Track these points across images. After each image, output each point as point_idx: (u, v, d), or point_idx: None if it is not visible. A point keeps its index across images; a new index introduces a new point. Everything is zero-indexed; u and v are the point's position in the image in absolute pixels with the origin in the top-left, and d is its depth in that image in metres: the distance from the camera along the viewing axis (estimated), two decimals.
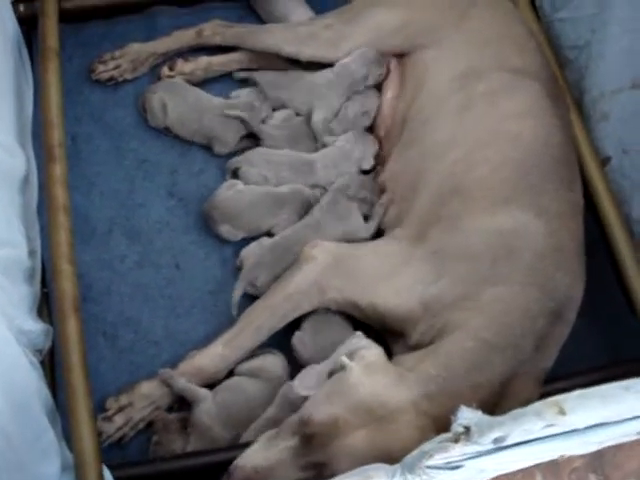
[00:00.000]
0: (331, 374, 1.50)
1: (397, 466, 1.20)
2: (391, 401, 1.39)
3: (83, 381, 1.55)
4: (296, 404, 1.48)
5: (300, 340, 1.73)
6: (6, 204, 1.65)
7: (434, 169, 1.76)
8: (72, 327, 1.58)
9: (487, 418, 1.02)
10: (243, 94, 2.02)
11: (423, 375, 1.45)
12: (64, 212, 1.70)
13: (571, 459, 1.78)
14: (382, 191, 1.90)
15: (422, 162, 1.79)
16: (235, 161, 1.94)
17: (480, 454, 1.09)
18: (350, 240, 1.81)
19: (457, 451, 1.04)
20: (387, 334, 1.67)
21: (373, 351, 1.49)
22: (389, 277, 1.66)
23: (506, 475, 1.45)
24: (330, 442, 1.36)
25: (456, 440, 1.02)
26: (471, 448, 1.05)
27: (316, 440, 1.36)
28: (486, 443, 1.01)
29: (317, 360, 1.61)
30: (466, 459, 1.11)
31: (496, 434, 1.00)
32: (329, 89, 1.97)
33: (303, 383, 1.55)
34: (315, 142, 1.97)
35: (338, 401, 1.39)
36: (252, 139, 2.01)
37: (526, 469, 1.29)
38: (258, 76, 2.02)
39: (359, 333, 1.58)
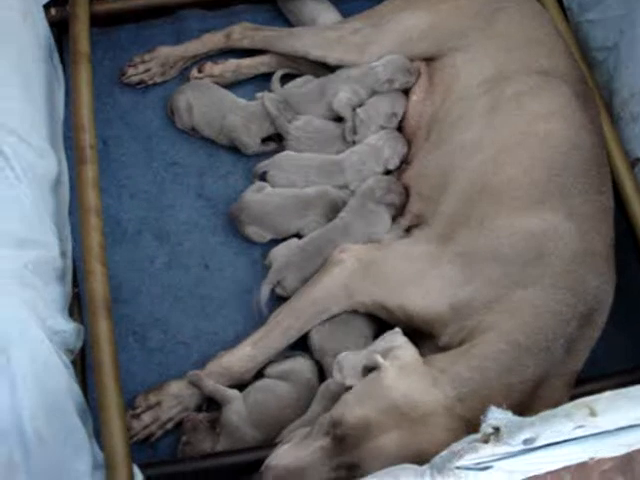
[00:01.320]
0: (365, 369, 1.50)
1: (426, 467, 1.21)
2: (424, 404, 1.39)
3: (114, 380, 1.56)
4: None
5: (318, 331, 1.74)
6: (39, 205, 1.67)
7: (462, 169, 1.76)
8: (103, 327, 1.60)
9: (517, 419, 1.02)
10: (271, 95, 2.03)
11: (456, 377, 1.45)
12: (95, 214, 1.72)
13: (600, 461, 1.77)
14: (406, 190, 1.90)
15: (450, 162, 1.80)
16: (263, 165, 1.95)
17: (510, 455, 1.09)
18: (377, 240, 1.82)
19: (487, 452, 1.04)
20: (415, 334, 1.67)
21: (408, 352, 1.50)
22: (418, 280, 1.67)
23: (535, 477, 1.45)
24: (361, 443, 1.36)
25: (485, 441, 1.02)
26: (501, 449, 1.05)
27: (347, 441, 1.37)
28: (516, 444, 1.01)
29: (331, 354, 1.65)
30: (495, 460, 1.11)
31: (526, 435, 1.00)
32: (354, 81, 1.98)
33: (342, 372, 1.56)
34: (339, 146, 1.98)
35: (371, 402, 1.40)
36: (273, 142, 2.03)
37: (555, 471, 1.29)
38: (284, 92, 2.04)
39: (397, 330, 1.57)
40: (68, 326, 1.65)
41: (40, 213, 1.67)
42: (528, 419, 1.02)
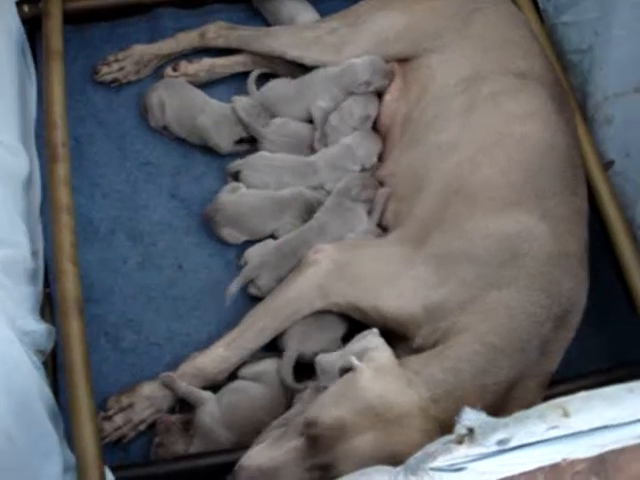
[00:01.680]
0: (341, 371, 1.49)
1: (400, 468, 1.20)
2: (398, 405, 1.38)
3: (85, 382, 1.55)
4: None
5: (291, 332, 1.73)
6: (9, 204, 1.65)
7: (437, 170, 1.75)
8: (75, 328, 1.58)
9: (490, 420, 1.02)
10: (244, 99, 2.02)
11: (430, 379, 1.45)
12: (67, 212, 1.70)
13: (574, 462, 1.77)
14: (381, 184, 1.91)
15: (425, 163, 1.79)
16: (236, 164, 1.94)
17: (483, 456, 1.09)
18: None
19: (460, 453, 1.04)
20: (390, 336, 1.66)
21: (383, 353, 1.49)
22: (392, 281, 1.66)
23: (510, 478, 1.45)
24: (336, 444, 1.35)
25: (459, 442, 1.01)
26: (474, 450, 1.05)
27: (321, 442, 1.36)
28: (490, 445, 1.01)
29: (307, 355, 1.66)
30: (469, 461, 1.11)
31: (500, 436, 0.99)
32: (332, 81, 1.97)
33: (320, 373, 1.55)
34: (311, 149, 1.98)
35: (346, 403, 1.39)
36: (247, 143, 2.02)
37: (529, 472, 1.29)
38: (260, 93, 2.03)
39: (375, 330, 1.56)
40: (39, 326, 1.63)
41: (10, 212, 1.65)
42: (502, 420, 1.02)
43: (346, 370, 1.49)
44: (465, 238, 1.63)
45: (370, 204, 1.87)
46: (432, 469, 1.12)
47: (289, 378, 1.66)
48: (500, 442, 1.00)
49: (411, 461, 1.18)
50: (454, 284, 1.59)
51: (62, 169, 1.75)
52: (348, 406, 1.38)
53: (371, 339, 1.56)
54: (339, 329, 1.74)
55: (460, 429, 1.09)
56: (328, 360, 1.58)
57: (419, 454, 1.15)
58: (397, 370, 1.47)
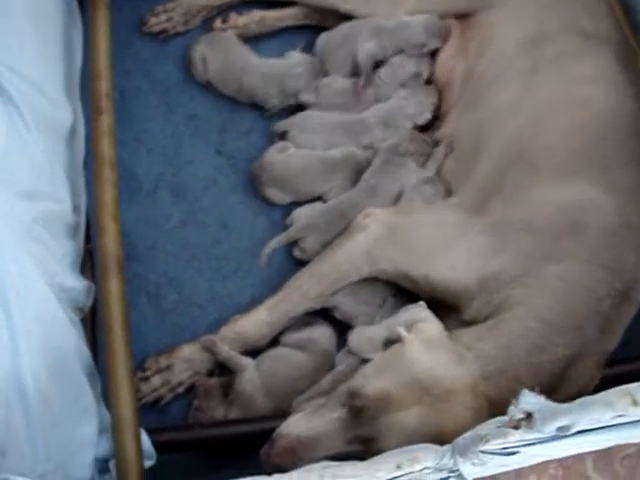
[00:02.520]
0: (387, 342, 1.43)
1: (447, 448, 1.15)
2: (448, 380, 1.33)
3: (124, 342, 1.50)
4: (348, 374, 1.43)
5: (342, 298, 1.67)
6: (51, 157, 1.60)
7: (497, 134, 1.67)
8: (115, 286, 1.53)
9: (551, 405, 0.95)
10: (296, 56, 1.94)
11: (482, 355, 1.39)
12: (110, 167, 1.65)
13: (623, 446, 1.71)
14: (436, 144, 1.83)
15: (484, 126, 1.71)
16: (283, 124, 1.87)
17: (539, 441, 1.02)
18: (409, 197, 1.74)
19: (516, 437, 0.97)
20: (439, 307, 1.59)
21: (433, 325, 1.43)
22: (445, 249, 1.59)
23: (558, 460, 1.37)
24: (380, 417, 1.30)
25: (516, 427, 0.94)
26: (531, 435, 0.98)
27: (366, 414, 1.31)
28: (549, 431, 0.94)
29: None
30: (523, 445, 1.04)
31: (561, 422, 0.92)
32: (383, 32, 1.88)
33: (358, 346, 1.50)
34: (356, 96, 1.89)
35: (392, 375, 1.34)
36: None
37: (578, 455, 1.22)
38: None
39: (422, 303, 1.51)
40: (78, 283, 1.58)
41: (52, 165, 1.60)
42: (564, 406, 0.94)
43: (391, 342, 1.43)
44: (524, 207, 1.55)
45: (421, 157, 1.79)
46: (483, 452, 1.06)
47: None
48: (561, 429, 0.93)
49: (459, 441, 1.12)
50: (511, 255, 1.51)
51: (106, 121, 1.69)
52: (394, 378, 1.33)
53: (419, 311, 1.50)
54: (384, 295, 1.67)
55: (515, 412, 1.03)
56: (368, 332, 1.53)
57: (469, 435, 1.09)
58: (447, 343, 1.41)
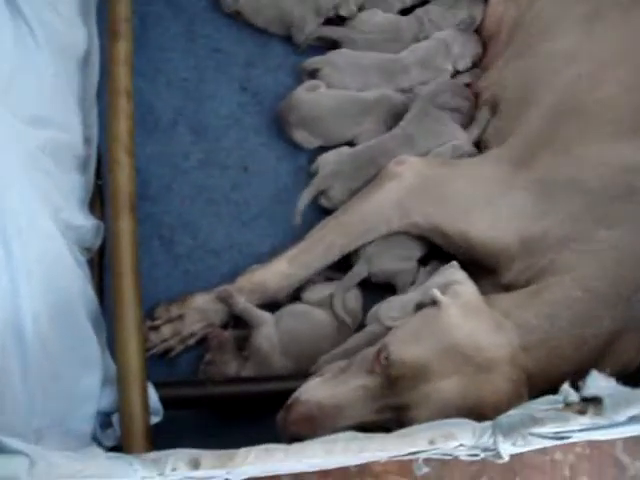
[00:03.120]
0: (419, 306, 1.32)
1: (487, 425, 1.03)
2: (489, 348, 1.21)
3: (134, 287, 1.38)
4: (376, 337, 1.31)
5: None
6: (63, 82, 1.47)
7: (549, 83, 1.53)
8: (126, 226, 1.41)
9: (624, 391, 0.82)
10: None
11: (523, 324, 1.27)
12: (126, 96, 1.51)
13: None
14: (476, 97, 1.69)
15: (534, 74, 1.57)
16: (315, 61, 1.72)
17: (599, 427, 0.90)
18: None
19: (578, 422, 0.85)
20: (473, 267, 1.47)
21: (469, 288, 1.31)
22: (486, 205, 1.46)
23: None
24: (417, 386, 1.19)
25: (581, 411, 0.82)
26: (593, 420, 0.86)
27: (401, 382, 1.19)
28: (620, 419, 0.82)
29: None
30: (579, 431, 0.92)
31: (636, 411, 0.80)
32: None
33: (388, 313, 1.39)
34: (399, 49, 1.75)
35: (429, 341, 1.22)
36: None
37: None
38: None
39: (454, 263, 1.39)
40: (86, 221, 1.46)
41: (63, 91, 1.47)
42: (638, 392, 0.82)
43: (424, 306, 1.31)
44: (576, 164, 1.41)
45: (461, 114, 1.64)
46: (532, 434, 0.94)
47: (339, 305, 1.49)
48: (634, 418, 0.80)
49: (503, 420, 1.00)
50: (558, 216, 1.38)
51: (123, 47, 1.55)
52: (433, 344, 1.21)
53: (453, 272, 1.37)
54: (417, 251, 1.56)
55: (571, 394, 0.91)
56: (399, 300, 1.43)
57: (517, 414, 0.98)
58: (484, 309, 1.29)
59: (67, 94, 1.49)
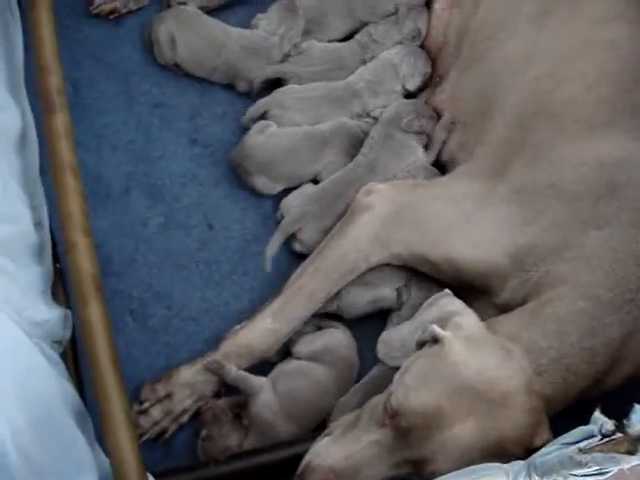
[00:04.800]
0: (420, 344, 1.24)
1: (520, 466, 0.97)
2: (501, 381, 1.14)
3: (114, 375, 1.28)
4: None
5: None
6: (2, 170, 1.37)
7: (509, 89, 1.48)
8: (95, 312, 1.31)
9: None
10: (263, 23, 1.71)
11: (532, 347, 1.21)
12: (72, 173, 1.42)
13: None
14: (437, 115, 1.63)
15: (493, 81, 1.52)
16: (262, 104, 1.65)
17: None
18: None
19: (627, 463, 0.78)
20: (465, 291, 1.40)
21: (469, 319, 1.24)
22: (466, 224, 1.40)
23: None
24: (432, 435, 1.11)
25: (630, 452, 0.75)
26: None
27: (415, 433, 1.12)
28: None
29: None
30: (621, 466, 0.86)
31: None
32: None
33: (389, 353, 1.33)
34: (346, 72, 1.69)
35: (438, 384, 1.14)
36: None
37: None
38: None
39: (448, 292, 1.32)
40: (52, 313, 1.36)
41: (4, 179, 1.37)
42: None
43: (423, 344, 1.24)
44: (552, 168, 1.36)
45: (425, 136, 1.58)
46: (573, 475, 0.87)
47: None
48: None
49: (537, 460, 0.94)
50: (543, 224, 1.32)
51: (61, 120, 1.45)
52: (441, 387, 1.14)
53: (449, 302, 1.30)
54: (395, 280, 1.49)
55: (604, 422, 0.84)
56: (397, 335, 1.35)
57: (553, 454, 0.92)
58: (490, 339, 1.21)
59: (9, 180, 1.39)
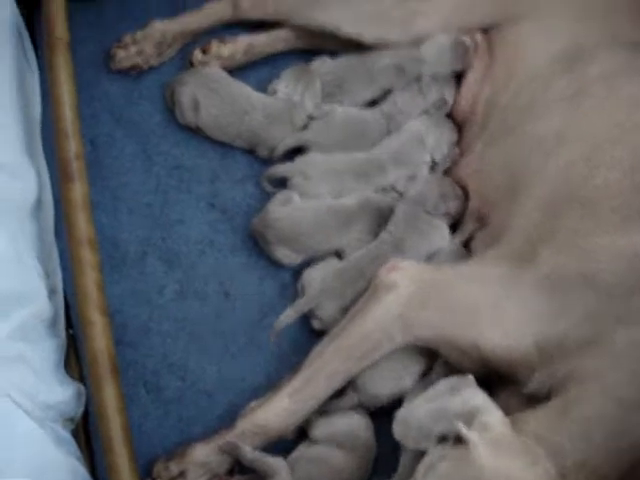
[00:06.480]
0: (442, 437, 1.20)
1: None
2: None
3: (127, 457, 1.28)
4: None
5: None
6: (18, 244, 1.33)
7: (540, 170, 1.43)
8: (109, 394, 1.30)
9: None
10: (281, 87, 1.66)
11: (557, 449, 1.16)
12: (89, 245, 1.39)
13: None
14: (464, 190, 1.59)
15: (522, 159, 1.47)
16: (283, 170, 1.60)
17: None
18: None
19: None
20: (489, 376, 1.37)
21: (496, 418, 1.19)
22: (494, 310, 1.35)
23: None
24: None
25: None
26: None
27: None
28: None
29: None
30: None
31: None
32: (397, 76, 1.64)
33: (407, 433, 1.27)
34: (370, 141, 1.64)
35: None
36: None
37: None
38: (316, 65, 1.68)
39: (471, 379, 1.28)
40: (65, 393, 1.34)
41: (19, 251, 1.34)
42: None
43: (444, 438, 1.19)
44: (585, 258, 1.30)
45: (451, 217, 1.55)
46: None
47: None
48: None
49: None
50: (574, 316, 1.28)
51: (78, 189, 1.43)
52: None
53: (473, 395, 1.26)
54: (417, 365, 1.45)
55: None
56: (416, 417, 1.29)
57: None
58: (517, 442, 1.17)
59: (24, 254, 1.36)
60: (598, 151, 1.37)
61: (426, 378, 1.45)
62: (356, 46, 1.64)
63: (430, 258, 1.52)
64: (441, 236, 1.51)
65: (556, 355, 1.28)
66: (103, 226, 1.58)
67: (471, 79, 1.63)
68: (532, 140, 1.46)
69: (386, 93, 1.67)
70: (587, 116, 1.41)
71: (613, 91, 1.41)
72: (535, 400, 1.28)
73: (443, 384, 1.32)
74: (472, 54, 1.61)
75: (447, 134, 1.63)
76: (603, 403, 1.20)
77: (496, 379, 1.36)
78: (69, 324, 1.50)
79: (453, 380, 1.31)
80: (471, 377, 1.29)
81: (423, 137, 1.61)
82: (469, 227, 1.54)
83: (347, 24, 1.62)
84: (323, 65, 1.66)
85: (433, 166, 1.63)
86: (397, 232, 1.50)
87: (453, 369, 1.41)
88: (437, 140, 1.62)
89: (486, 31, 1.63)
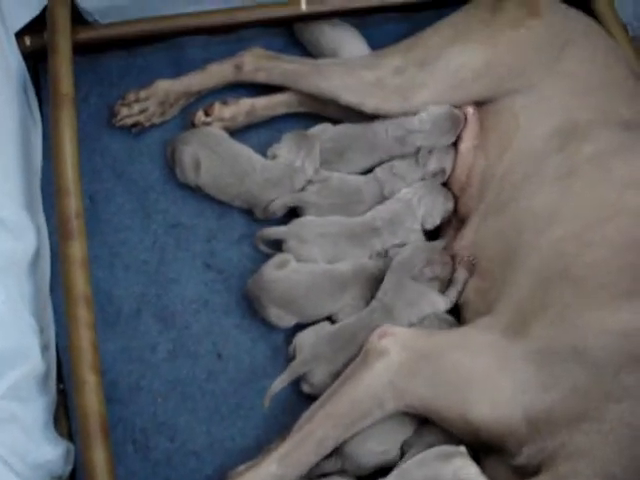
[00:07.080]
0: None
1: None
2: None
3: None
4: None
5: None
6: (14, 302, 1.34)
7: (534, 244, 1.45)
8: (99, 455, 1.29)
9: None
10: (282, 152, 1.68)
11: None
12: (85, 304, 1.40)
13: None
14: (453, 259, 1.61)
15: (516, 233, 1.49)
16: (277, 232, 1.62)
17: None
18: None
19: None
20: (478, 446, 1.37)
21: None
22: (484, 381, 1.36)
23: None
24: None
25: None
26: None
27: None
28: None
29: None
30: None
31: None
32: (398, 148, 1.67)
33: None
34: (365, 207, 1.67)
35: None
36: None
37: None
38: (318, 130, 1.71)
39: (463, 450, 1.29)
40: (54, 452, 1.34)
41: (16, 309, 1.35)
42: None
43: None
44: (575, 333, 1.32)
45: (439, 282, 1.57)
46: None
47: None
48: None
49: None
50: (563, 390, 1.29)
51: (78, 247, 1.44)
52: None
53: (464, 465, 1.27)
54: (402, 434, 1.45)
55: None
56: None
57: None
58: None
59: (20, 310, 1.37)
60: (589, 230, 1.40)
61: (418, 440, 1.45)
62: (357, 113, 1.67)
63: (423, 319, 1.53)
64: (429, 303, 1.52)
65: (545, 430, 1.28)
66: (99, 280, 1.59)
67: (463, 149, 1.66)
68: (526, 215, 1.49)
69: (383, 162, 1.69)
70: (579, 195, 1.44)
71: (605, 172, 1.44)
72: (524, 472, 1.29)
73: (434, 451, 1.33)
74: (462, 125, 1.64)
75: (441, 202, 1.65)
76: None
77: (485, 449, 1.37)
78: (59, 378, 1.50)
79: (445, 448, 1.32)
80: (463, 448, 1.31)
81: (414, 206, 1.63)
82: (462, 277, 1.56)
83: (348, 93, 1.65)
84: (324, 132, 1.69)
85: (428, 233, 1.65)
86: (386, 299, 1.52)
87: (444, 433, 1.42)
88: (429, 209, 1.64)
89: (479, 103, 1.66)
